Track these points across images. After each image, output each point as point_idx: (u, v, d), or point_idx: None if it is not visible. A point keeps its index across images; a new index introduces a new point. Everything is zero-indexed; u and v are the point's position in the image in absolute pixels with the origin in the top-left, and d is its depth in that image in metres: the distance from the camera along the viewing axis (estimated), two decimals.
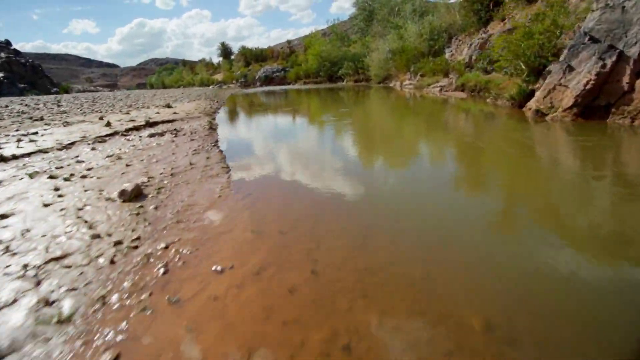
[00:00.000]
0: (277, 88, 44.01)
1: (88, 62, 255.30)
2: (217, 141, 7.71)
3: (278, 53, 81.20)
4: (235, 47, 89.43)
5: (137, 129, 9.20)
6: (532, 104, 9.60)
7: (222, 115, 13.09)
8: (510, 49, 11.64)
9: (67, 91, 59.47)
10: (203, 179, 4.80)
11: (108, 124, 9.74)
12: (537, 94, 9.57)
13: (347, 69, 43.91)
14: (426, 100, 16.15)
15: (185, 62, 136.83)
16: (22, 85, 44.89)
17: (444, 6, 28.69)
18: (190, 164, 5.55)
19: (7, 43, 56.09)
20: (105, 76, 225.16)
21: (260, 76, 60.80)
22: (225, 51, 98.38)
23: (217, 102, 19.00)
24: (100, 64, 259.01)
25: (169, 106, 15.02)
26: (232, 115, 13.68)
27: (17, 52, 54.33)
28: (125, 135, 8.32)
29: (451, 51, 25.84)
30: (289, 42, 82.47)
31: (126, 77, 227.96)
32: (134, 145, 7.05)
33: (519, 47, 11.06)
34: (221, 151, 6.67)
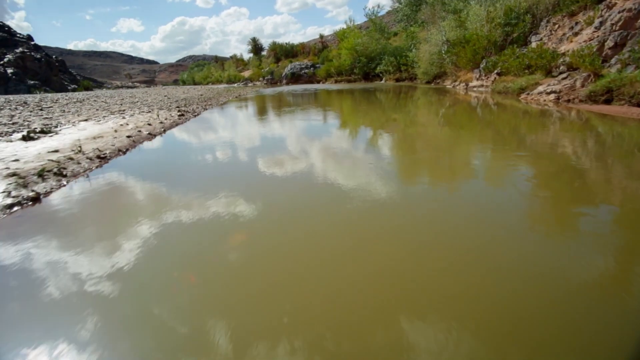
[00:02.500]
0: (302, 87, 37.62)
1: (130, 59, 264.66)
2: None
3: (309, 48, 74.82)
4: (269, 44, 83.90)
5: None
6: None
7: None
8: None
9: (87, 89, 56.76)
10: None
11: None
12: None
13: (387, 65, 36.70)
14: (555, 121, 9.01)
15: (217, 59, 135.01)
16: (32, 82, 41.77)
17: None
18: None
19: (29, 38, 54.08)
20: (145, 72, 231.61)
21: (286, 73, 54.77)
22: (256, 47, 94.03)
23: (179, 116, 13.04)
24: (141, 61, 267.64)
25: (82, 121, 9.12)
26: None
27: (36, 47, 51.95)
28: None
29: (540, 39, 18.20)
30: (321, 36, 75.79)
31: (164, 73, 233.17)
32: None
33: None
34: None
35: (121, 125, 8.72)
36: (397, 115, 11.69)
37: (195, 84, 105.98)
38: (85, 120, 9.87)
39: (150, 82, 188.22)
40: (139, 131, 8.01)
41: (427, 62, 26.90)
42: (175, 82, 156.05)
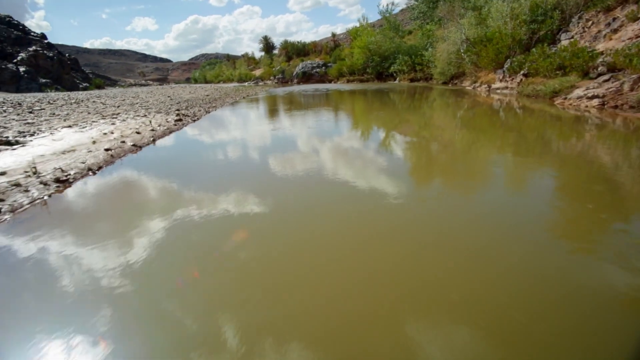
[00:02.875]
0: (313, 87, 36.54)
1: (144, 57, 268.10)
2: None
3: (321, 47, 73.64)
4: (280, 42, 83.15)
5: None
6: None
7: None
8: None
9: (99, 87, 56.78)
10: None
11: None
12: None
13: (401, 64, 35.31)
14: (599, 130, 7.75)
15: (229, 57, 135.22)
16: (44, 80, 41.75)
17: None
18: None
19: (42, 36, 54.33)
20: (158, 70, 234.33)
21: (297, 72, 53.72)
22: (268, 45, 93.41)
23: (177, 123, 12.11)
24: (154, 59, 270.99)
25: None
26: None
27: (49, 46, 52.11)
28: None
29: (571, 37, 16.75)
30: (333, 35, 74.47)
31: (176, 71, 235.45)
32: None
33: None
34: None
35: (104, 134, 7.72)
36: (416, 123, 10.51)
37: (206, 82, 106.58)
38: (69, 126, 8.94)
39: (163, 80, 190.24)
40: (123, 142, 7.00)
41: (445, 62, 25.51)
42: (188, 81, 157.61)
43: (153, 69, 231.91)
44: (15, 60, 42.81)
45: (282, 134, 8.94)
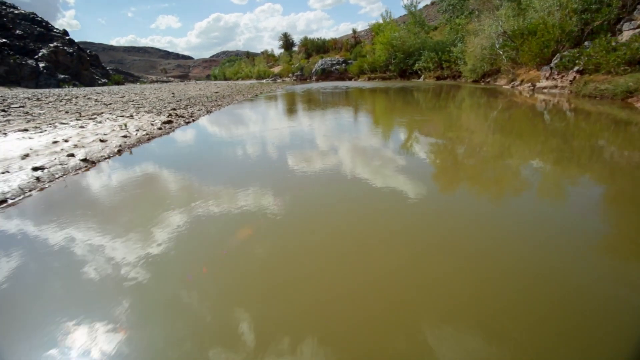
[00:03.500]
0: (333, 85, 34.78)
1: (166, 55, 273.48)
2: None
3: (341, 44, 71.60)
4: (300, 39, 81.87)
5: None
6: None
7: None
8: None
9: (118, 83, 56.90)
10: None
11: None
12: None
13: (427, 61, 33.06)
14: None
15: (249, 54, 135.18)
16: (63, 76, 41.72)
17: None
18: None
19: (64, 33, 54.70)
20: (180, 67, 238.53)
21: (316, 69, 52.00)
22: (287, 42, 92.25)
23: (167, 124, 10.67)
24: (177, 56, 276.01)
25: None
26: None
27: (70, 42, 52.39)
28: None
29: (637, 26, 14.36)
30: (354, 31, 72.20)
31: (197, 68, 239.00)
32: None
33: None
34: None
35: (55, 142, 6.01)
36: (451, 128, 8.63)
37: (225, 79, 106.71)
38: (25, 130, 7.37)
39: (184, 77, 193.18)
40: (70, 155, 5.35)
41: (476, 58, 23.22)
42: (208, 77, 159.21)
43: (175, 66, 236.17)
44: (36, 57, 42.99)
45: (291, 140, 7.26)
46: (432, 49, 33.68)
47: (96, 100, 15.88)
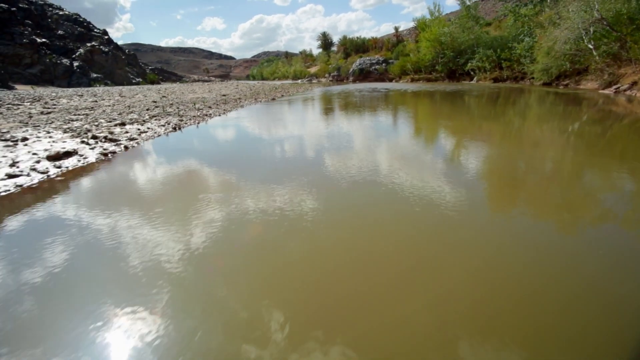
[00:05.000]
0: (370, 87, 31.06)
1: (210, 55, 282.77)
2: None
3: (382, 43, 67.18)
4: (339, 39, 78.61)
5: None
6: None
7: None
8: None
9: (153, 82, 56.90)
10: None
11: None
12: None
13: (483, 60, 28.42)
14: None
15: (287, 54, 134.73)
16: (95, 75, 41.53)
17: None
18: None
19: (104, 32, 55.47)
20: (221, 67, 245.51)
21: (354, 69, 48.32)
22: (326, 42, 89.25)
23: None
24: (219, 57, 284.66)
25: None
26: None
27: (109, 41, 52.89)
28: None
29: None
30: (396, 29, 67.59)
31: (238, 68, 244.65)
32: None
33: None
34: None
35: None
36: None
37: (263, 79, 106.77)
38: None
39: (225, 77, 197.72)
40: None
41: (552, 56, 18.53)
42: (248, 77, 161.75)
43: (217, 66, 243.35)
44: (73, 56, 43.22)
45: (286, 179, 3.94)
46: (488, 45, 28.97)
47: (45, 105, 13.01)
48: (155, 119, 8.98)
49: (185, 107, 12.44)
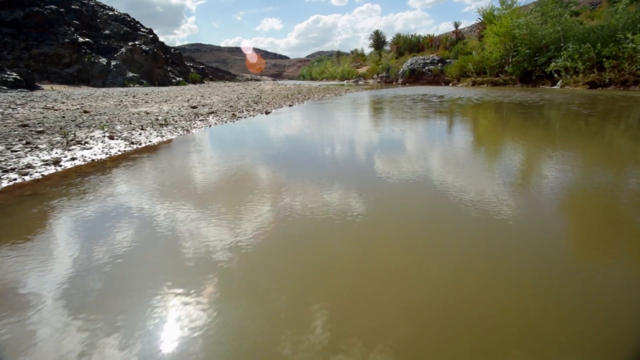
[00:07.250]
0: (420, 92, 25.57)
1: (265, 54, 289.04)
2: None
3: (439, 42, 59.74)
4: (392, 37, 72.42)
5: None
6: None
7: None
8: None
9: (194, 82, 56.05)
10: None
11: None
12: None
13: (574, 58, 21.61)
14: None
15: (339, 54, 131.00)
16: (131, 75, 40.66)
17: None
18: None
19: (149, 31, 55.61)
20: (275, 67, 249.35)
21: (404, 70, 42.50)
22: (378, 40, 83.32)
23: None
24: (274, 56, 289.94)
25: None
26: None
27: (153, 40, 52.66)
28: None
29: None
30: (456, 25, 59.75)
31: (292, 68, 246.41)
32: None
33: None
34: None
35: None
36: None
37: (312, 79, 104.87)
38: None
39: (277, 76, 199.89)
40: None
41: None
42: (299, 77, 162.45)
43: (271, 65, 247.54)
44: (116, 55, 42.92)
45: None
46: (580, 40, 21.99)
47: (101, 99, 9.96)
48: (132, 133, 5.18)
49: (179, 117, 8.62)
